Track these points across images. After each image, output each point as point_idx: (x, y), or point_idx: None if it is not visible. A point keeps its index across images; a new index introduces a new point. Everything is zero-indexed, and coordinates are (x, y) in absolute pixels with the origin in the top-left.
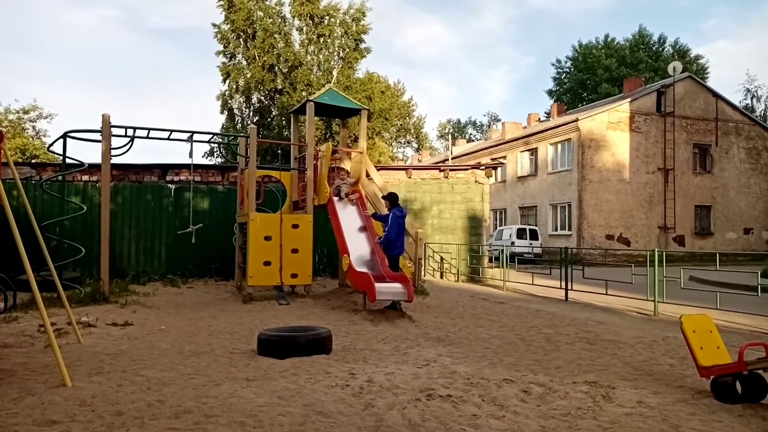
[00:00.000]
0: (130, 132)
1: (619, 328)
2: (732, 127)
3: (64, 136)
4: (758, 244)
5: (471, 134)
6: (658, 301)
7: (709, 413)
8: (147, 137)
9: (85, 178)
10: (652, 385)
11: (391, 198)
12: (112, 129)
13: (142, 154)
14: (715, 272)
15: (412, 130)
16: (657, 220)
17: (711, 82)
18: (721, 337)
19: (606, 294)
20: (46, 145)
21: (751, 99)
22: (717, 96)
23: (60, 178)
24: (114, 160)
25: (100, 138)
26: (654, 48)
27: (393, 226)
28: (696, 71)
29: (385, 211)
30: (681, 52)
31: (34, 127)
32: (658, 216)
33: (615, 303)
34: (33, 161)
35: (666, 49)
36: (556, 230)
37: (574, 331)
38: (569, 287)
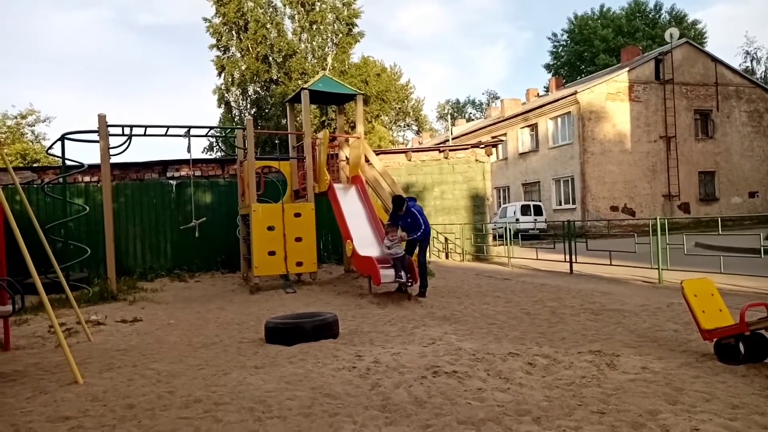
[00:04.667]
0: (127, 130)
1: (623, 298)
2: (732, 91)
3: (62, 138)
4: (764, 207)
5: (470, 114)
6: (662, 269)
7: (713, 375)
8: (144, 135)
9: (87, 179)
10: (657, 351)
11: (397, 200)
12: (109, 128)
13: (141, 152)
14: (720, 237)
15: (411, 113)
16: (661, 189)
17: (710, 47)
18: (725, 300)
19: (610, 265)
20: (45, 149)
21: (751, 61)
22: (716, 60)
23: (61, 180)
24: (114, 160)
25: (97, 138)
26: (650, 15)
27: (423, 217)
28: (694, 37)
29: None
30: (678, 19)
31: (33, 131)
32: (662, 184)
33: (620, 273)
34: (34, 165)
35: (663, 16)
36: (560, 205)
37: (579, 303)
38: (574, 260)
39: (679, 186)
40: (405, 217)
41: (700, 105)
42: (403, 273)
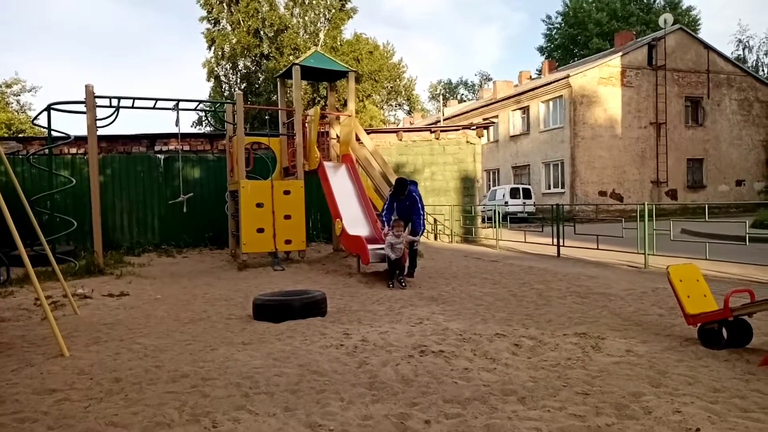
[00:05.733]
0: (114, 102)
1: (609, 282)
2: (724, 79)
3: (48, 108)
4: (750, 195)
5: (463, 95)
6: (648, 254)
7: (696, 359)
8: (132, 107)
9: (73, 150)
10: (641, 334)
11: (400, 183)
12: (97, 100)
13: (129, 125)
14: (706, 224)
15: (403, 93)
16: (649, 175)
17: (703, 34)
18: (710, 286)
19: (597, 249)
20: (31, 119)
21: (743, 50)
22: (708, 48)
23: (47, 151)
24: (101, 132)
25: (84, 109)
26: (645, 1)
27: (422, 203)
28: (688, 23)
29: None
30: (672, 4)
31: (18, 101)
32: (650, 170)
33: (606, 257)
34: (19, 135)
35: (657, 2)
36: (550, 188)
37: (566, 286)
38: (561, 244)
39: (667, 173)
40: (404, 200)
41: (691, 92)
42: (397, 279)
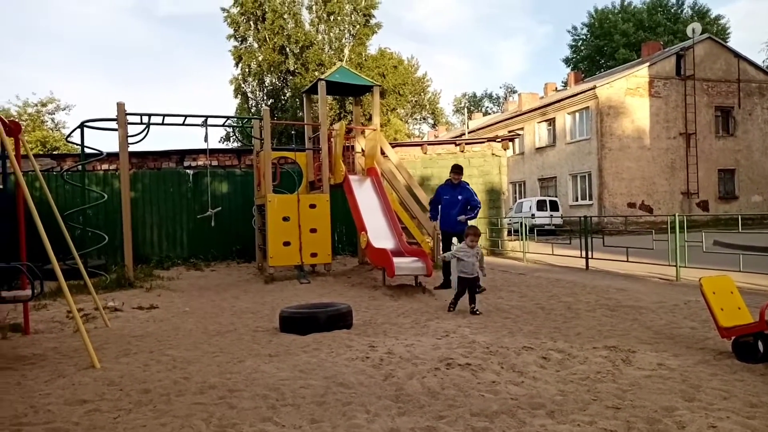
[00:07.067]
0: (145, 119)
1: (640, 294)
2: (755, 88)
3: (82, 126)
4: None
5: (487, 107)
6: (680, 266)
7: (731, 373)
8: (162, 123)
9: (105, 167)
10: (673, 348)
11: (458, 167)
12: (128, 117)
13: (158, 141)
14: (739, 235)
15: (428, 106)
16: (680, 186)
17: (732, 43)
18: (744, 298)
19: (627, 261)
20: (65, 136)
21: None
22: (739, 56)
23: (80, 167)
24: (132, 148)
25: (116, 126)
26: (672, 10)
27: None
28: (716, 32)
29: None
30: (700, 14)
31: (53, 119)
32: (680, 182)
33: (636, 270)
34: (54, 152)
35: (685, 11)
36: (577, 200)
37: (595, 299)
38: (590, 256)
39: (698, 183)
40: (456, 191)
41: (721, 102)
42: (474, 301)
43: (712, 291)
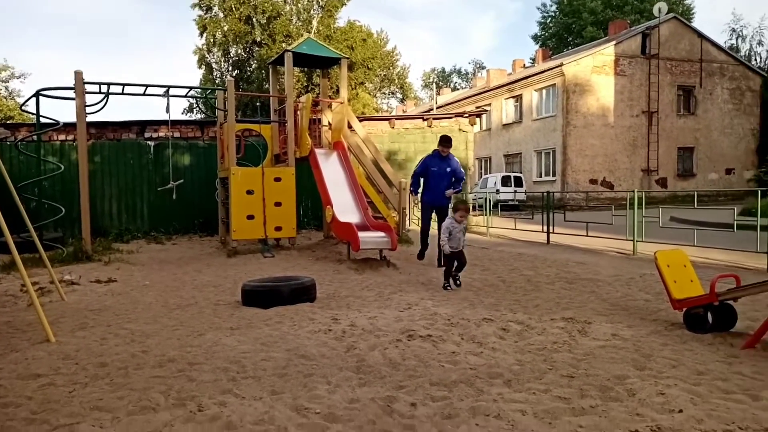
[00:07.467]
0: (104, 88)
1: (598, 268)
2: (716, 68)
3: (37, 94)
4: (739, 183)
5: (456, 83)
6: (637, 241)
7: (681, 343)
8: (122, 93)
9: (62, 137)
10: (627, 319)
11: (446, 138)
12: (86, 86)
13: (119, 112)
14: (695, 211)
15: (396, 81)
16: (640, 163)
17: (696, 23)
18: (698, 272)
19: (587, 236)
20: (20, 105)
21: (736, 39)
22: (702, 36)
23: (35, 137)
24: (90, 118)
25: (73, 95)
26: None
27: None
28: (682, 12)
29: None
30: None
31: (6, 88)
32: (641, 159)
33: (595, 244)
34: (7, 122)
35: None
36: (541, 176)
37: (555, 272)
38: (551, 231)
39: (658, 161)
40: (445, 163)
41: (683, 81)
42: (453, 277)
43: (666, 264)
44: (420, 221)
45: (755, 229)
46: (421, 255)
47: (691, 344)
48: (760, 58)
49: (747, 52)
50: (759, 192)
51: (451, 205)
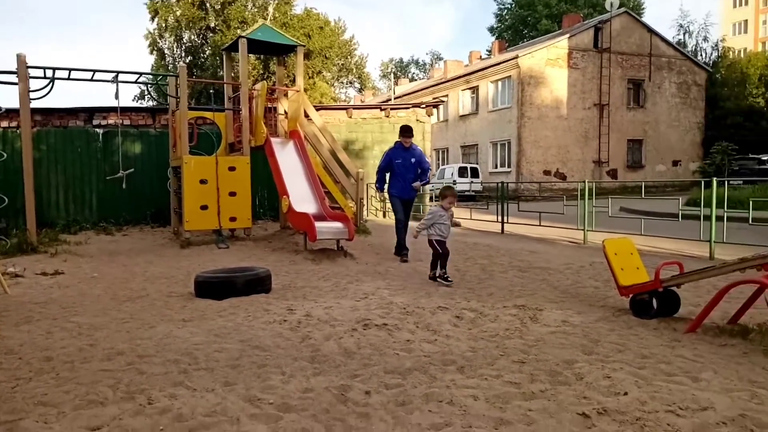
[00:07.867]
0: (49, 73)
1: (549, 256)
2: (665, 62)
3: None
4: (685, 175)
5: (414, 73)
6: (587, 230)
7: (627, 328)
8: (69, 78)
9: (4, 124)
10: (577, 306)
11: (408, 128)
12: (30, 70)
13: (65, 98)
14: (643, 202)
15: (354, 70)
16: (592, 155)
17: (647, 18)
18: (644, 259)
19: (540, 225)
20: None
21: (684, 34)
22: (651, 31)
23: None
24: (35, 105)
25: (16, 80)
26: None
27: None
28: (633, 7)
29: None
30: None
31: None
32: (593, 151)
33: (548, 233)
34: None
35: None
36: (497, 167)
37: (508, 261)
38: (505, 220)
39: (608, 153)
40: (408, 153)
41: (633, 75)
42: (446, 267)
43: (614, 252)
44: (394, 216)
45: (699, 219)
46: (400, 252)
47: (637, 329)
48: (706, 53)
49: (693, 47)
50: (703, 183)
51: (438, 194)
